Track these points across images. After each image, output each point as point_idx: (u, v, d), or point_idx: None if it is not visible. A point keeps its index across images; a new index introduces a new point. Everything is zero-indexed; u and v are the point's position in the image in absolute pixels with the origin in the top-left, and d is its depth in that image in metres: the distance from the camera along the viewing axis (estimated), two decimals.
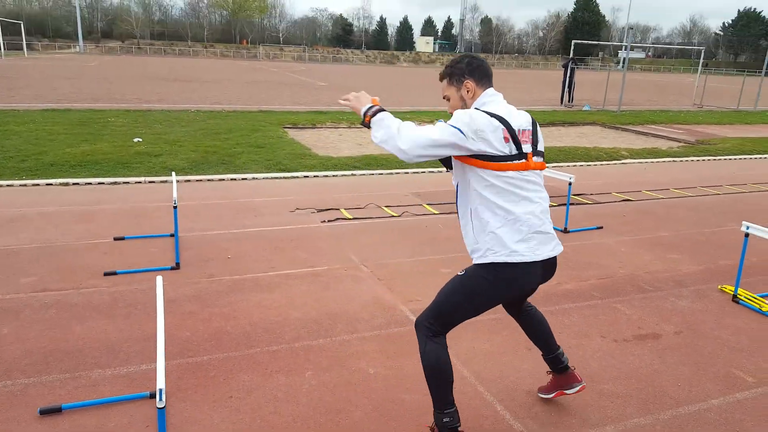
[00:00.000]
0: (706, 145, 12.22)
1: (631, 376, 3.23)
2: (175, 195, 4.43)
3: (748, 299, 4.29)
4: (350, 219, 6.03)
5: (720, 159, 10.90)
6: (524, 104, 19.96)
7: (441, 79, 2.48)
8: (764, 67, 21.36)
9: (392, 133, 2.21)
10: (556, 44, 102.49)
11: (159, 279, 2.61)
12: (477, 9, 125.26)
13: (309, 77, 33.96)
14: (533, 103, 20.80)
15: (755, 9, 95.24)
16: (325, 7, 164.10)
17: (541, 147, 2.35)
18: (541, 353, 2.83)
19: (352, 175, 8.26)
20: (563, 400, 2.96)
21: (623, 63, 33.43)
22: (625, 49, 20.75)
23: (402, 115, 2.98)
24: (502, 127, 2.21)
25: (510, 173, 2.25)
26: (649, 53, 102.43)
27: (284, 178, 7.84)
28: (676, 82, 45.36)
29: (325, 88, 25.76)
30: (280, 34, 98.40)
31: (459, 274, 2.42)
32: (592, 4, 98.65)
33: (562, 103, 20.32)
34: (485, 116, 2.22)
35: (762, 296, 4.37)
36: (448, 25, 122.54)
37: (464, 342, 3.51)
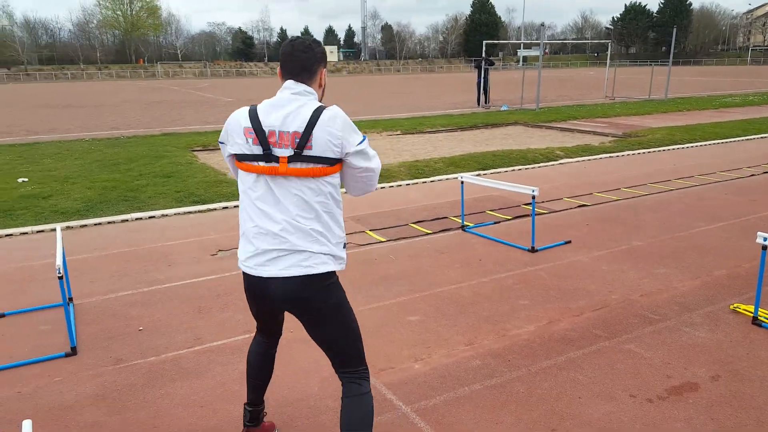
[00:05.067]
0: (637, 138, 12.13)
1: None
2: (59, 260, 3.38)
3: None
4: None
5: (655, 151, 10.77)
6: (439, 109, 19.75)
7: None
8: (670, 56, 22.32)
9: None
10: (458, 47, 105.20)
11: (26, 426, 1.67)
12: (377, 16, 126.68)
13: (213, 94, 32.24)
14: (450, 106, 20.63)
15: (640, 2, 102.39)
16: (223, 21, 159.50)
17: (314, 152, 2.00)
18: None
19: None
20: None
21: (522, 61, 34.50)
22: (540, 47, 21.06)
23: None
24: (248, 125, 2.04)
25: (254, 175, 2.07)
26: (546, 50, 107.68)
27: (199, 212, 6.79)
28: (577, 77, 47.42)
29: (233, 103, 24.38)
30: (179, 51, 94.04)
31: None
32: (488, 5, 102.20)
33: (479, 104, 20.27)
34: (243, 112, 2.09)
35: None
36: (350, 33, 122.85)
37: None
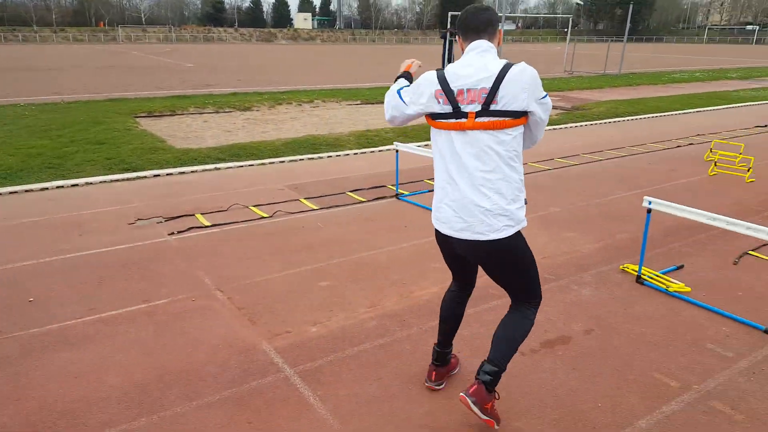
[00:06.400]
0: (581, 111, 12.35)
1: (547, 404, 2.62)
2: None
3: (652, 278, 3.90)
4: (207, 227, 4.99)
5: (597, 123, 10.97)
6: None
7: None
8: (625, 33, 22.52)
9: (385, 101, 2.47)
10: (434, 18, 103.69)
11: None
12: None
13: (175, 59, 31.23)
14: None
15: None
16: None
17: (500, 106, 2.12)
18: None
19: (216, 169, 7.13)
20: None
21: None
22: (504, 21, 20.86)
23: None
24: (438, 87, 2.19)
25: (444, 132, 2.23)
26: (519, 24, 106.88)
27: (128, 179, 6.54)
28: (545, 52, 47.38)
29: (193, 69, 23.64)
30: (143, 15, 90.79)
31: None
32: None
33: None
34: (431, 76, 2.23)
35: (665, 273, 4.01)
36: (326, 1, 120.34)
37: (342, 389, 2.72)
